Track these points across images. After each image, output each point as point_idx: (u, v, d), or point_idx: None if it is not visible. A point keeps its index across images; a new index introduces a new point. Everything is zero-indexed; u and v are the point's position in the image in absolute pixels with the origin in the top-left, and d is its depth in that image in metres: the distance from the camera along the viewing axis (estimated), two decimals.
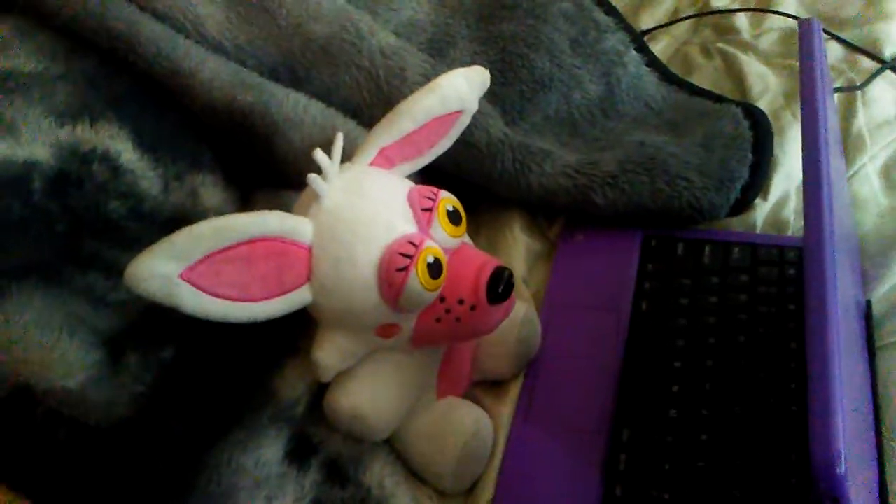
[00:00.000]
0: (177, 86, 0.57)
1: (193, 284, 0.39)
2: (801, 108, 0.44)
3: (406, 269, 0.41)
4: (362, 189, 0.44)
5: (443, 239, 0.44)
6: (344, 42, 0.61)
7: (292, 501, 0.45)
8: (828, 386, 0.30)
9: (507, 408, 0.52)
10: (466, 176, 0.62)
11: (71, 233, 0.48)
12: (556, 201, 0.61)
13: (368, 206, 0.43)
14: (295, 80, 0.61)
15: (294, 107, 0.58)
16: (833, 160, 0.43)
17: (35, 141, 0.50)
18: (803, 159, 0.40)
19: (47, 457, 0.46)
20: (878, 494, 0.44)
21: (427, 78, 0.61)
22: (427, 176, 0.50)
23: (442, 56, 0.67)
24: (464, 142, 0.59)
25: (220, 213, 0.57)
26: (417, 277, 0.42)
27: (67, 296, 0.46)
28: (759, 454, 0.47)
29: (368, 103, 0.61)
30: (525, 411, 0.52)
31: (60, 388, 0.44)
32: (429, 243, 0.43)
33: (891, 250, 0.56)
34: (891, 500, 0.44)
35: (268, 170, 0.59)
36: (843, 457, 0.28)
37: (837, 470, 0.28)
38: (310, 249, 0.42)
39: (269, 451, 0.45)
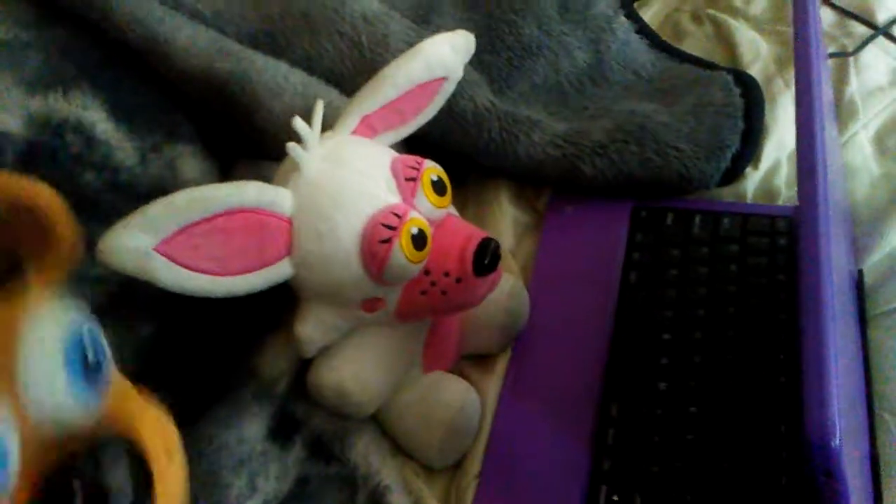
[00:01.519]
0: (152, 53, 0.55)
1: (169, 258, 0.37)
2: (796, 75, 0.43)
3: (390, 240, 0.40)
4: (344, 158, 0.42)
5: (427, 210, 0.43)
6: (325, 8, 0.59)
7: (276, 478, 0.44)
8: (822, 359, 0.30)
9: (494, 382, 0.52)
10: (452, 147, 0.61)
11: None
12: (544, 172, 0.60)
13: (350, 177, 0.42)
14: (275, 48, 0.60)
15: (274, 75, 0.56)
16: (827, 128, 0.42)
17: (5, 111, 0.48)
18: (797, 127, 0.39)
19: None
20: (869, 466, 0.44)
21: (411, 45, 0.58)
22: (412, 147, 0.49)
23: (426, 22, 0.66)
24: (449, 111, 0.57)
25: (199, 185, 0.55)
26: (401, 249, 0.40)
27: None
28: (748, 427, 0.46)
29: (351, 72, 0.59)
30: (512, 385, 0.52)
31: None
32: (413, 214, 0.41)
33: (882, 219, 0.56)
34: (882, 471, 0.44)
35: (248, 141, 0.58)
36: (837, 430, 0.28)
37: (832, 443, 0.28)
38: (290, 221, 0.41)
39: (252, 428, 0.44)
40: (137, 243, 0.36)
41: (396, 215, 0.41)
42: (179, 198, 0.37)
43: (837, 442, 0.28)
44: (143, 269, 0.37)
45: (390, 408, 0.48)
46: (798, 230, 0.54)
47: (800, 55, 0.43)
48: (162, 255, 0.37)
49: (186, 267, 0.38)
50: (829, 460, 0.28)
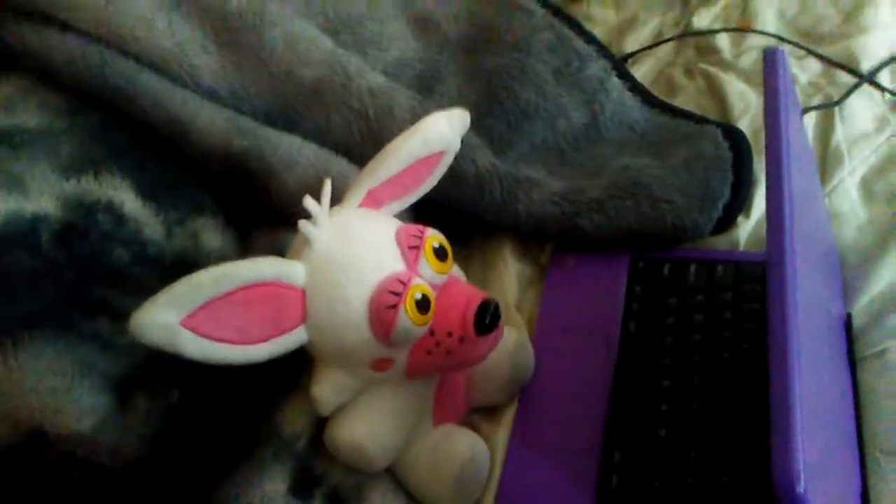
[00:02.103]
0: (175, 134, 0.60)
1: (194, 331, 0.41)
2: (766, 130, 0.45)
3: (395, 306, 0.43)
4: (351, 232, 0.46)
5: (430, 275, 0.46)
6: (334, 84, 0.63)
7: None
8: (787, 405, 0.32)
9: (502, 432, 0.54)
10: (456, 206, 0.64)
11: (78, 281, 0.51)
12: (545, 228, 0.63)
13: (357, 248, 0.45)
14: (289, 123, 0.64)
15: (288, 149, 0.60)
16: (801, 179, 0.45)
17: (42, 195, 0.52)
18: (766, 178, 0.42)
19: (63, 498, 0.48)
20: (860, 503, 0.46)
21: (415, 114, 0.63)
22: (418, 207, 0.52)
23: (430, 91, 0.70)
24: (451, 174, 0.60)
25: (221, 254, 0.59)
26: (406, 313, 0.44)
27: (77, 342, 0.48)
28: (746, 470, 0.48)
29: (359, 141, 0.63)
30: (520, 435, 0.54)
31: (73, 432, 0.46)
32: (416, 280, 0.45)
33: (869, 262, 0.58)
34: None
35: (265, 210, 0.62)
36: (802, 476, 0.30)
37: (797, 489, 0.30)
38: (303, 292, 0.44)
39: (274, 485, 0.47)
40: (165, 319, 0.40)
41: (401, 282, 0.44)
42: (203, 276, 0.41)
43: (803, 488, 0.30)
44: (171, 343, 0.40)
45: (403, 460, 0.51)
46: (766, 279, 0.56)
47: (769, 114, 0.46)
48: (187, 328, 0.40)
49: (210, 338, 0.41)
50: None
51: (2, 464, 0.47)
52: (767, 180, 0.42)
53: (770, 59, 0.48)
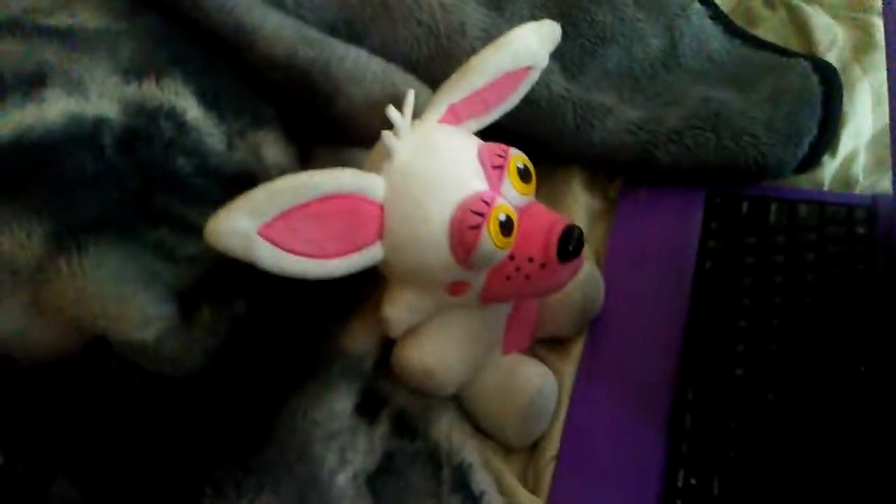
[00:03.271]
0: (239, 41, 0.57)
1: (271, 241, 0.39)
2: (888, 57, 0.42)
3: (478, 226, 0.41)
4: (433, 146, 0.43)
5: (513, 196, 0.44)
6: None
7: (364, 452, 0.46)
8: None
9: (570, 365, 0.53)
10: (526, 134, 0.61)
11: (142, 189, 0.49)
12: (617, 159, 0.61)
13: (440, 164, 0.43)
14: (353, 36, 0.61)
15: (354, 62, 0.57)
16: None
17: (103, 98, 0.50)
18: (891, 111, 0.39)
19: (123, 408, 0.47)
20: None
21: (487, 32, 0.60)
22: (485, 135, 0.50)
23: (500, 10, 0.66)
24: (524, 98, 0.58)
25: (282, 169, 0.57)
26: (490, 235, 0.42)
27: (140, 250, 0.47)
28: (825, 414, 0.47)
29: (427, 58, 0.60)
30: (588, 369, 0.52)
31: (136, 341, 0.45)
32: (500, 201, 0.43)
33: None
34: None
35: (327, 126, 0.59)
36: None
37: None
38: (382, 207, 0.42)
39: (341, 403, 0.46)
40: (243, 226, 0.38)
41: (485, 202, 0.42)
42: (282, 183, 0.39)
43: None
44: (248, 250, 0.39)
45: (471, 388, 0.49)
46: (892, 215, 0.53)
47: (891, 33, 0.42)
48: (264, 238, 0.39)
49: (286, 250, 0.40)
50: None
51: (65, 373, 0.47)
52: (893, 113, 0.39)
53: None
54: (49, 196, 0.45)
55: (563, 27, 0.65)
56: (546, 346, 0.54)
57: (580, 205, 0.62)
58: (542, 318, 0.53)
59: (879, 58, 0.65)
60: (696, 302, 0.54)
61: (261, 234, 0.39)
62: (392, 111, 0.43)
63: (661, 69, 0.66)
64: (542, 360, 0.52)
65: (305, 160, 0.60)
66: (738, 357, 0.50)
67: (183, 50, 0.56)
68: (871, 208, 0.56)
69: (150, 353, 0.46)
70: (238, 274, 0.46)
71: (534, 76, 0.49)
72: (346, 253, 0.42)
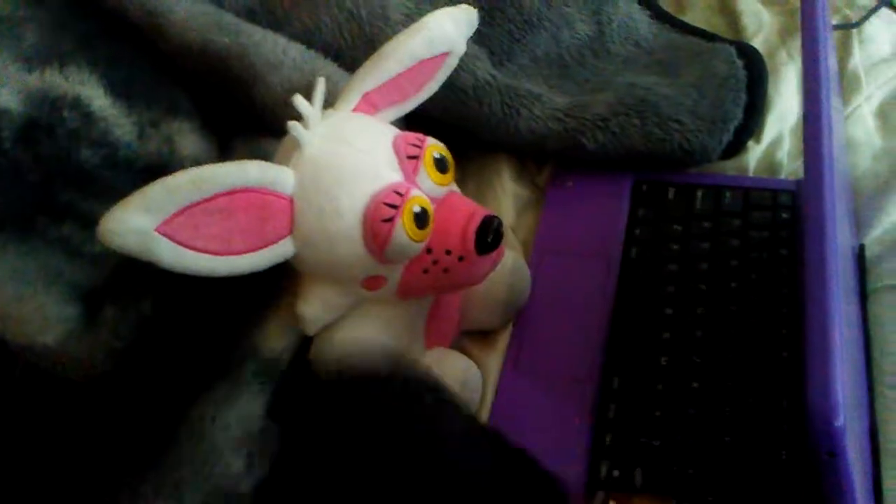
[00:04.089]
0: (149, 27, 0.54)
1: (171, 238, 0.37)
2: (802, 45, 0.42)
3: (392, 219, 0.40)
4: (346, 136, 0.42)
5: (429, 188, 0.42)
6: None
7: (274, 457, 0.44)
8: (827, 336, 0.30)
9: (495, 357, 0.52)
10: (452, 121, 0.60)
11: (43, 183, 0.47)
12: (545, 146, 0.60)
13: (352, 155, 0.41)
14: (273, 22, 0.59)
15: (273, 49, 0.55)
16: (832, 100, 0.42)
17: (2, 87, 0.48)
18: (804, 99, 0.39)
19: (25, 414, 0.45)
20: (868, 441, 0.44)
21: (410, 18, 0.58)
22: (411, 122, 0.49)
23: None
24: (449, 85, 0.57)
25: (197, 161, 0.55)
26: (404, 228, 0.40)
27: (42, 248, 0.45)
28: (750, 401, 0.47)
29: (350, 45, 0.59)
30: (514, 361, 0.52)
31: (38, 344, 0.43)
32: (415, 192, 0.41)
33: (884, 193, 0.55)
34: (881, 444, 0.44)
35: (246, 116, 0.57)
36: (841, 411, 0.28)
37: (836, 423, 0.28)
38: (292, 200, 0.41)
39: (252, 406, 0.44)
40: (139, 224, 0.36)
41: (398, 193, 0.41)
42: (180, 178, 0.37)
43: (841, 422, 0.28)
44: (146, 249, 0.37)
45: None
46: (803, 203, 0.53)
47: (807, 24, 0.42)
48: (163, 235, 0.37)
49: (188, 247, 0.38)
50: (833, 440, 0.28)
51: None
52: (806, 102, 0.39)
53: None
54: None
55: (489, 13, 0.64)
56: (471, 338, 0.53)
57: (508, 194, 0.61)
58: (466, 311, 0.52)
59: None
60: (623, 290, 0.53)
61: (159, 231, 0.37)
62: (299, 100, 0.41)
63: (589, 55, 0.66)
64: (466, 352, 0.51)
65: (224, 152, 0.58)
66: (664, 345, 0.50)
67: (90, 36, 0.53)
68: (796, 193, 0.56)
69: (52, 356, 0.44)
70: (145, 272, 0.44)
71: (451, 62, 0.48)
72: (254, 249, 0.40)
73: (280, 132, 0.43)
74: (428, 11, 0.47)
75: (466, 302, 0.52)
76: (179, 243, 0.37)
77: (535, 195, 0.62)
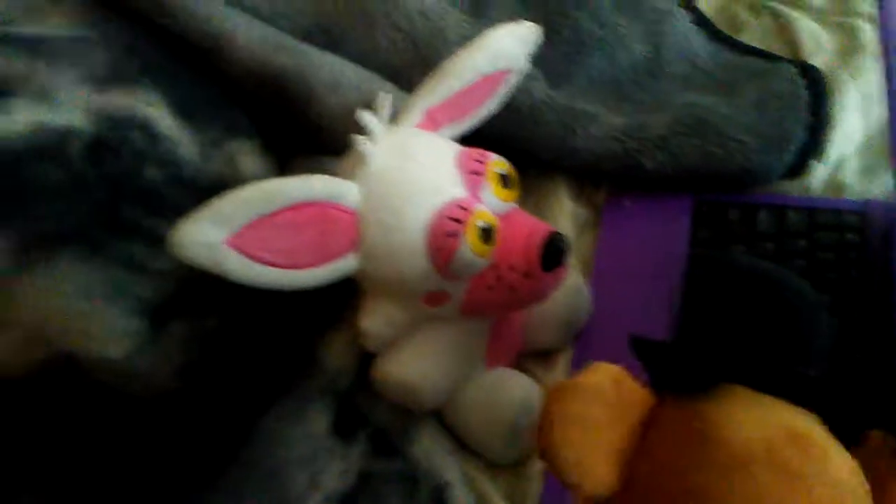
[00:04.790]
0: (211, 50, 0.55)
1: (239, 251, 0.37)
2: (885, 61, 0.41)
3: (456, 234, 0.40)
4: (409, 152, 0.42)
5: (493, 203, 0.42)
6: (383, 3, 0.59)
7: (339, 473, 0.44)
8: None
9: (557, 378, 0.51)
10: (509, 141, 0.60)
11: (109, 200, 0.47)
12: (603, 166, 0.59)
13: (416, 170, 0.41)
14: (330, 43, 0.59)
15: (330, 70, 0.56)
16: None
17: (71, 107, 0.49)
18: (890, 116, 0.38)
19: (91, 427, 0.45)
20: None
21: (466, 38, 0.58)
22: (468, 142, 0.48)
23: (481, 16, 0.65)
24: (506, 105, 0.57)
25: (258, 180, 0.55)
26: (468, 243, 0.40)
27: (108, 264, 0.45)
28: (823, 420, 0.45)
29: (406, 66, 0.59)
30: None
31: (103, 358, 0.43)
32: (479, 207, 0.41)
33: None
34: None
35: (304, 136, 0.58)
36: None
37: None
38: (356, 214, 0.41)
39: (317, 423, 0.44)
40: (209, 237, 0.37)
41: (463, 208, 0.40)
42: (249, 192, 0.37)
43: None
44: (216, 262, 0.37)
45: (454, 403, 0.47)
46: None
47: (886, 37, 0.41)
48: (232, 248, 0.37)
49: (256, 260, 0.38)
50: None
51: (33, 390, 0.45)
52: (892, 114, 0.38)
53: None
54: (13, 208, 0.44)
55: (544, 34, 0.64)
56: (532, 358, 0.52)
57: (566, 213, 0.60)
58: (528, 331, 0.51)
59: (866, 62, 0.64)
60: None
61: (229, 244, 0.37)
62: (365, 115, 0.41)
63: (645, 76, 0.65)
64: (527, 372, 0.51)
65: (283, 171, 0.58)
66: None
67: (155, 58, 0.54)
68: (863, 214, 0.54)
69: (118, 371, 0.44)
70: (211, 288, 0.45)
71: (512, 80, 0.48)
72: (318, 263, 0.40)
73: (338, 151, 0.44)
74: (486, 31, 0.47)
75: (527, 321, 0.51)
76: (247, 256, 0.38)
77: (593, 215, 0.61)
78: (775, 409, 0.31)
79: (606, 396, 0.31)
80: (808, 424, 0.30)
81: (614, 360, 0.51)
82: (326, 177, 0.40)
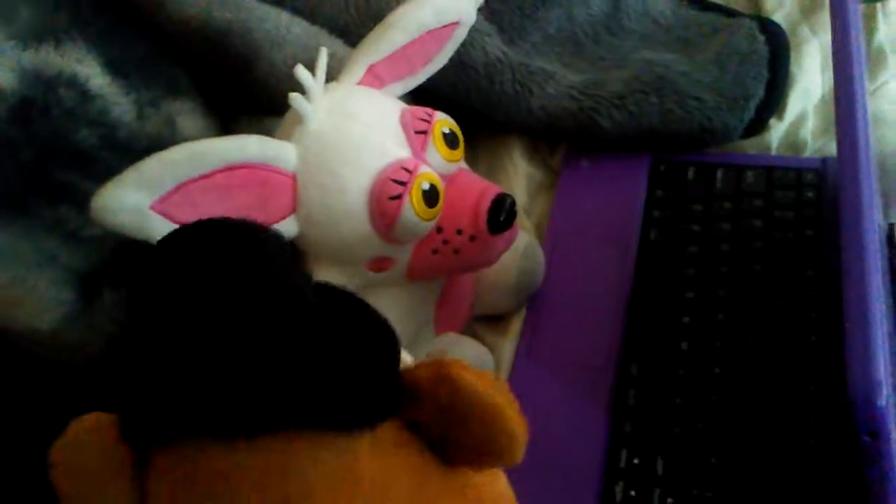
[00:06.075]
0: (149, 5, 0.53)
1: (167, 216, 0.35)
2: (832, 21, 0.40)
3: (399, 196, 0.38)
4: (350, 110, 0.40)
5: (439, 164, 0.40)
6: None
7: None
8: (867, 314, 0.28)
9: (508, 343, 0.50)
10: (462, 100, 0.58)
11: (38, 162, 0.45)
12: (559, 126, 0.58)
13: (357, 129, 0.39)
14: None
15: (275, 25, 0.54)
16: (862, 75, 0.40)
17: None
18: (835, 77, 0.37)
19: (22, 397, 0.44)
20: None
21: None
22: (419, 100, 0.46)
23: None
24: (459, 62, 0.55)
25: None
26: (412, 206, 0.38)
27: (37, 230, 0.43)
28: (775, 387, 0.44)
29: (355, 21, 0.57)
30: (527, 347, 0.50)
31: (31, 329, 0.42)
32: (424, 169, 0.39)
33: None
34: None
35: (249, 95, 0.56)
36: (883, 389, 0.26)
37: (878, 403, 0.26)
38: (294, 177, 0.39)
39: None
40: (133, 201, 0.35)
41: (407, 170, 0.39)
42: (176, 153, 0.35)
43: (883, 401, 0.26)
44: (140, 228, 0.35)
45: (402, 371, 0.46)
46: (838, 183, 0.51)
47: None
48: (158, 213, 0.35)
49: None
50: (875, 420, 0.26)
51: None
52: (837, 76, 0.37)
53: None
54: None
55: None
56: (483, 323, 0.51)
57: (521, 175, 0.59)
58: (478, 295, 0.50)
59: (827, 17, 0.63)
60: (641, 273, 0.51)
61: (154, 208, 0.35)
62: (302, 72, 0.39)
63: (604, 32, 0.64)
64: (478, 337, 0.50)
65: (227, 131, 0.56)
66: (684, 329, 0.48)
67: (86, 13, 0.51)
68: (820, 172, 0.54)
69: (46, 341, 0.42)
70: (144, 255, 0.43)
71: (461, 33, 0.46)
72: None
73: (283, 111, 0.42)
74: None
75: (478, 285, 0.50)
76: (176, 222, 0.36)
77: (549, 177, 0.60)
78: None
79: (100, 447, 0.28)
80: None
81: (568, 325, 0.51)
82: (261, 137, 0.38)
